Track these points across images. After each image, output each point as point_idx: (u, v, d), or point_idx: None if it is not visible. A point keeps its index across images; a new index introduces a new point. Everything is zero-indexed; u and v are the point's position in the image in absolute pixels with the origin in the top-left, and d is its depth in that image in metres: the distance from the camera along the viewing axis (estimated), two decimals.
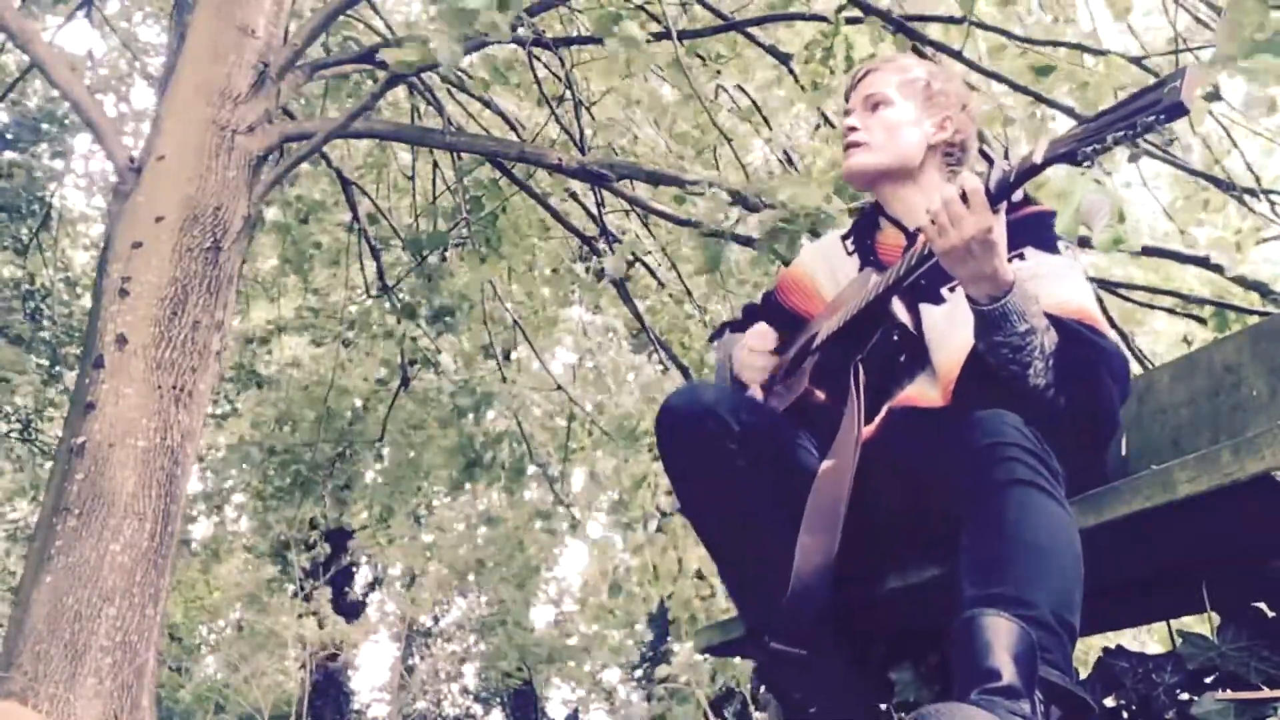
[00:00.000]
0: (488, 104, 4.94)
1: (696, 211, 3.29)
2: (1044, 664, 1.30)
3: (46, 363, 7.91)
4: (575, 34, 4.15)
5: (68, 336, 7.84)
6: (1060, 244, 1.70)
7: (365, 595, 16.40)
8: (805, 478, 1.68)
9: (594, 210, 4.77)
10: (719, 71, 4.21)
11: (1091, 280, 3.59)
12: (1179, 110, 1.29)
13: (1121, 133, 1.34)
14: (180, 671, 13.13)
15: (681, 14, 4.07)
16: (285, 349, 8.41)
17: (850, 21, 3.27)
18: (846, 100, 1.93)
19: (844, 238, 1.97)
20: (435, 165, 5.50)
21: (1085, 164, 1.39)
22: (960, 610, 1.36)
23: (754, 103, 4.48)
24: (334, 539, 11.97)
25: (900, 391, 1.74)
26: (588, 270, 5.36)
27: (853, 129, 1.86)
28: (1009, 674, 1.27)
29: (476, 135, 4.41)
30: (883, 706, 1.92)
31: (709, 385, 1.82)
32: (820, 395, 1.78)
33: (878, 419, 1.75)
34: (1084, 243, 2.21)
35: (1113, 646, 1.61)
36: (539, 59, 4.38)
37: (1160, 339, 5.02)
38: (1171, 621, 1.85)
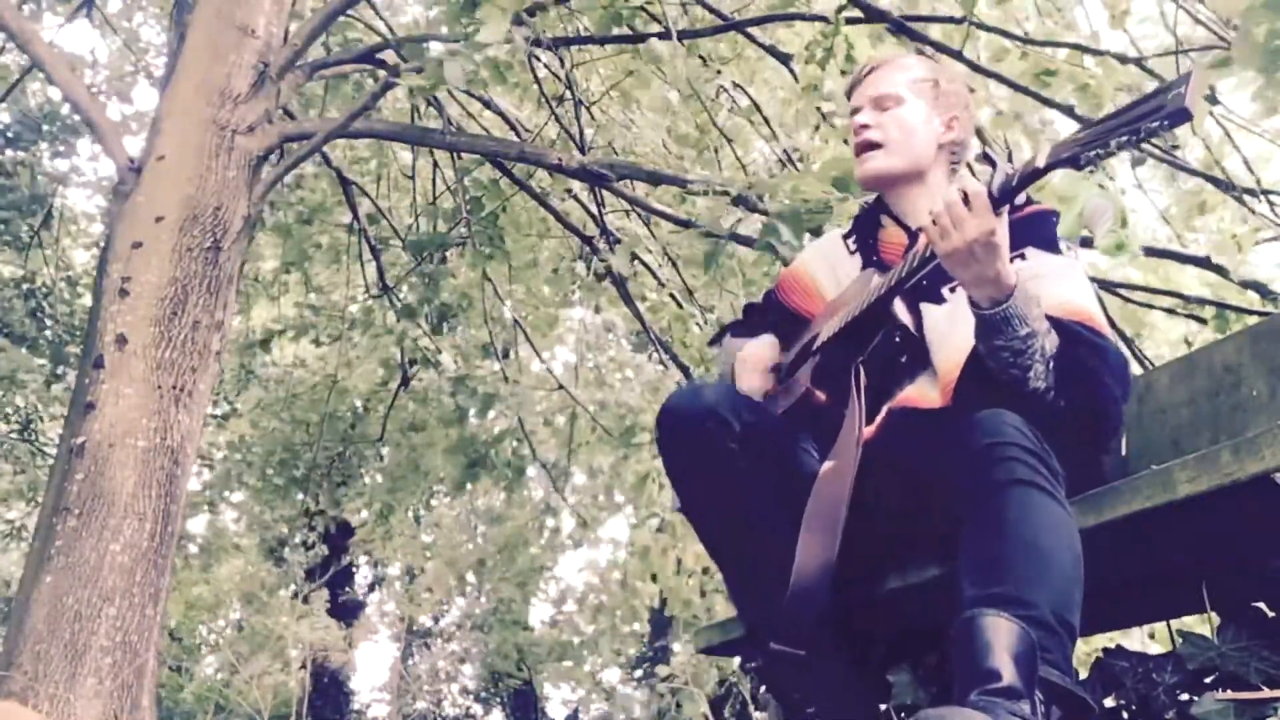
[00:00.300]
0: (488, 104, 4.94)
1: (696, 211, 3.29)
2: (1044, 664, 1.30)
3: (46, 362, 7.91)
4: (575, 34, 4.14)
5: (69, 336, 7.84)
6: (1062, 244, 1.70)
7: (365, 596, 16.41)
8: (806, 478, 1.68)
9: (594, 210, 4.77)
10: (719, 71, 4.21)
11: (1091, 280, 3.59)
12: (1183, 116, 1.29)
13: (1125, 137, 1.34)
14: (180, 671, 13.13)
15: (682, 14, 4.06)
16: (288, 349, 8.41)
17: (850, 22, 3.27)
18: (849, 97, 1.90)
19: (845, 236, 1.97)
20: (435, 165, 5.50)
21: (1088, 168, 1.39)
22: (960, 610, 1.36)
23: (754, 103, 4.48)
24: (333, 539, 11.98)
25: (900, 392, 1.74)
26: (589, 270, 5.36)
27: (865, 127, 1.82)
28: (1009, 674, 1.27)
29: (476, 135, 4.41)
30: (882, 707, 1.92)
31: (710, 385, 1.82)
32: (821, 396, 1.78)
33: (878, 420, 1.75)
34: (1085, 243, 2.21)
35: (1113, 646, 1.61)
36: (539, 59, 4.38)
37: (1160, 339, 5.02)
38: (1171, 621, 1.85)
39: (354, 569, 15.46)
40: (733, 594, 1.82)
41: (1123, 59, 3.17)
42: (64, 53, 5.42)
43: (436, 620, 18.34)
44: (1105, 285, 3.69)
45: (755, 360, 1.89)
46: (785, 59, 3.68)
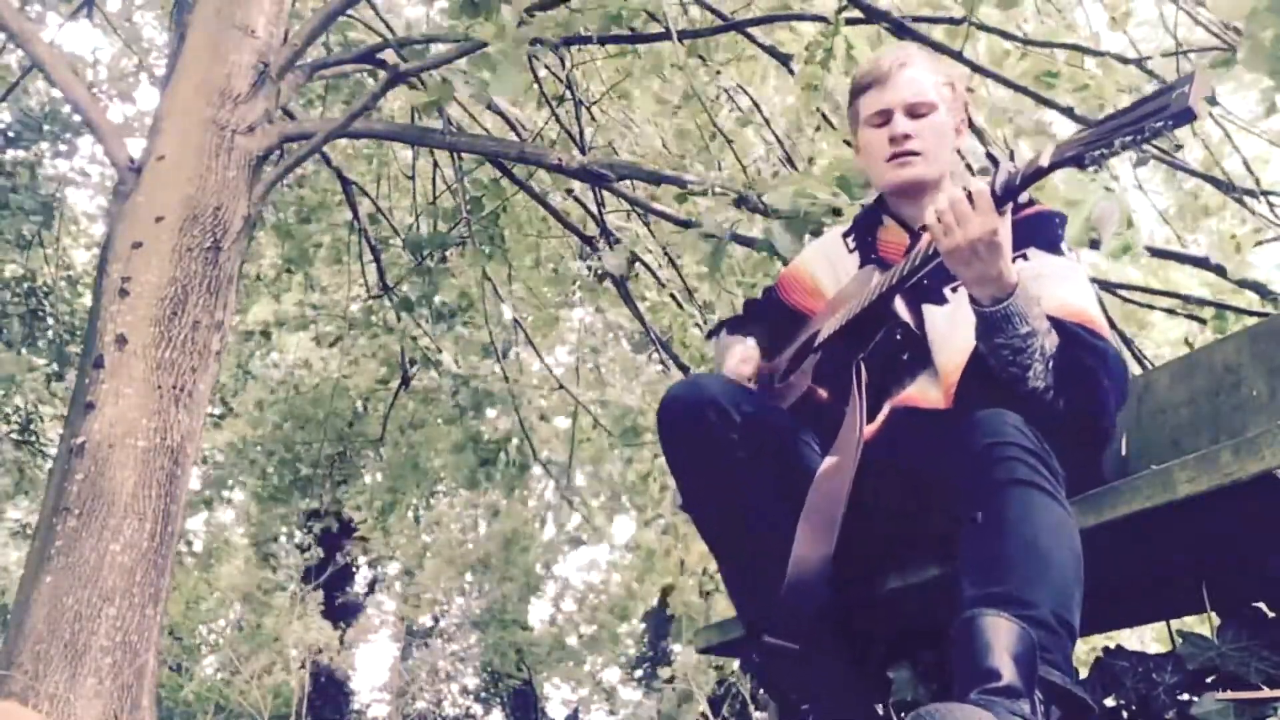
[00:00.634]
0: (488, 104, 4.94)
1: (697, 212, 3.29)
2: (1044, 664, 1.30)
3: (46, 361, 7.92)
4: (575, 34, 4.14)
5: (69, 335, 7.84)
6: (1063, 245, 1.70)
7: (364, 596, 16.40)
8: (806, 472, 1.68)
9: (594, 210, 4.77)
10: (719, 72, 4.21)
11: (1092, 281, 3.59)
12: (1187, 116, 1.29)
13: (1129, 138, 1.34)
14: (180, 671, 13.13)
15: (682, 14, 4.07)
16: (289, 350, 8.42)
17: (850, 22, 3.27)
18: (864, 90, 1.84)
19: (845, 235, 1.97)
20: (435, 165, 5.50)
21: (1092, 168, 1.40)
22: (960, 610, 1.36)
23: (755, 103, 4.48)
24: (332, 539, 11.98)
25: (902, 391, 1.75)
26: (590, 271, 5.36)
27: (907, 136, 1.77)
28: (1009, 674, 1.28)
29: (476, 135, 4.41)
30: (880, 708, 1.92)
31: (711, 376, 1.82)
32: (822, 393, 1.79)
33: (879, 418, 1.75)
34: (1092, 244, 2.22)
35: (1113, 646, 1.61)
36: (539, 59, 4.38)
37: (1160, 339, 5.02)
38: (1171, 621, 1.85)
39: (354, 569, 15.46)
40: (731, 589, 1.82)
41: (1123, 60, 3.17)
42: (64, 53, 5.42)
43: (436, 620, 18.34)
44: (1105, 285, 3.69)
45: (743, 367, 1.89)
46: (785, 59, 3.68)
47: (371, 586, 16.81)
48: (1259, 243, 3.43)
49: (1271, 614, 1.49)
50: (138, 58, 6.59)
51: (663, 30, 3.44)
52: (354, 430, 8.10)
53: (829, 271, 1.96)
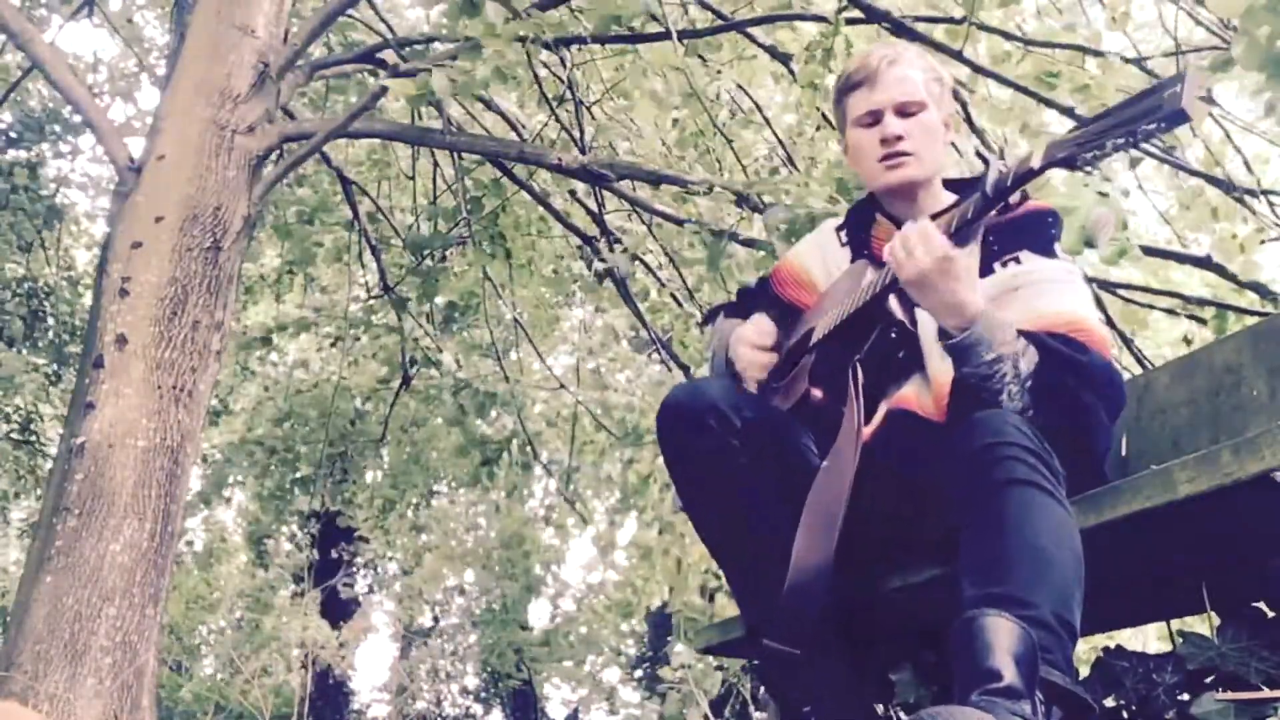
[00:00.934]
0: (488, 104, 4.94)
1: (697, 211, 3.29)
2: (1045, 664, 1.30)
3: (47, 361, 7.92)
4: (575, 34, 4.14)
5: (70, 336, 7.84)
6: (1057, 245, 1.69)
7: (364, 596, 16.40)
8: (807, 475, 1.68)
9: (595, 210, 4.77)
10: (719, 72, 4.21)
11: (1091, 280, 3.59)
12: (1180, 117, 1.28)
13: (1122, 139, 1.33)
14: (180, 671, 13.13)
15: (682, 14, 4.07)
16: (290, 349, 8.42)
17: (850, 22, 3.27)
18: (854, 88, 1.81)
19: (838, 229, 1.96)
20: (436, 165, 5.50)
21: (1084, 169, 1.39)
22: (961, 610, 1.36)
23: (755, 104, 4.48)
24: (332, 538, 11.99)
25: (897, 391, 1.74)
26: (591, 271, 5.36)
27: (899, 138, 1.75)
28: (1010, 675, 1.27)
29: (476, 135, 4.41)
30: (882, 707, 1.92)
31: (710, 381, 1.82)
32: (818, 395, 1.78)
33: (876, 419, 1.74)
34: (1087, 244, 2.21)
35: (1113, 646, 1.61)
36: (539, 59, 4.38)
37: (1160, 339, 5.02)
38: (1171, 621, 1.85)
39: (353, 569, 15.46)
40: (734, 592, 1.82)
41: (1123, 60, 3.17)
42: (64, 53, 5.42)
43: (436, 620, 18.34)
44: (1105, 285, 3.69)
45: (759, 337, 1.88)
46: (785, 59, 3.68)
47: (371, 586, 16.82)
48: (1263, 242, 3.42)
49: (1271, 614, 1.49)
50: (138, 58, 6.59)
51: (663, 30, 3.44)
52: (355, 430, 8.11)
53: (821, 266, 1.95)
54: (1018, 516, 1.38)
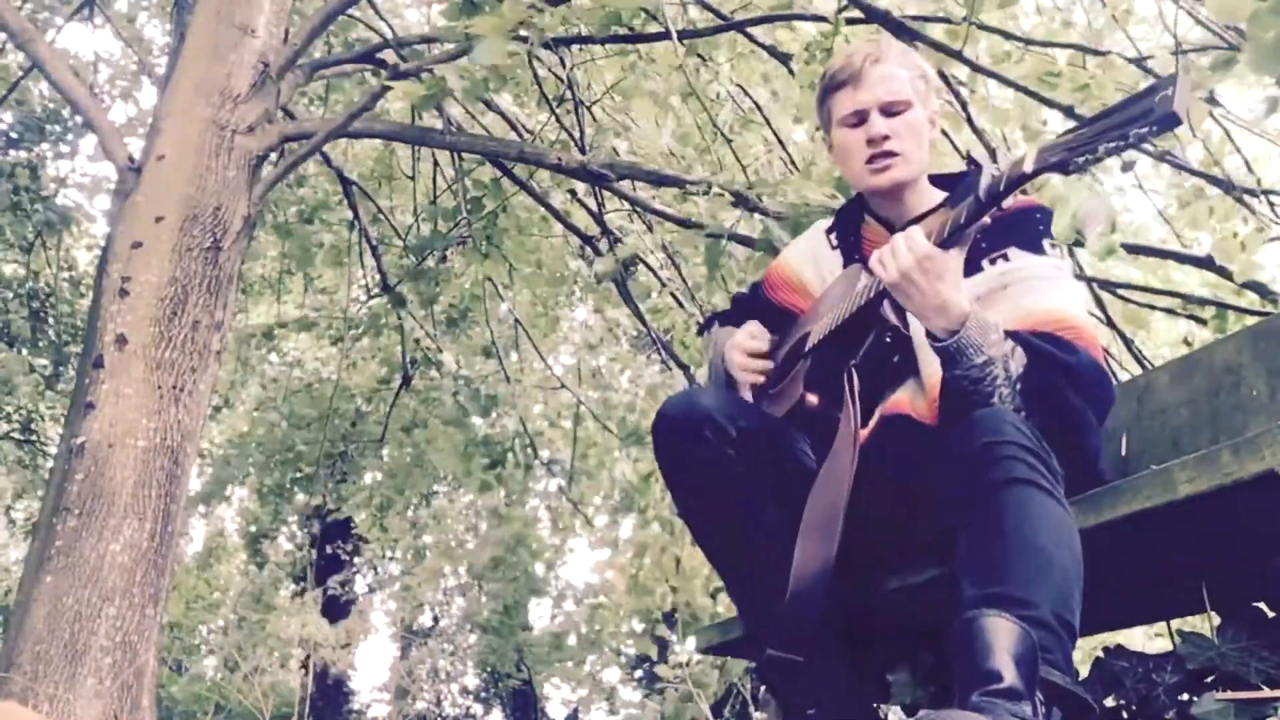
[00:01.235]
0: (488, 104, 4.94)
1: (697, 212, 3.29)
2: (1045, 664, 1.30)
3: (48, 362, 7.92)
4: (575, 34, 4.14)
5: (70, 336, 7.85)
6: (1045, 242, 1.68)
7: (364, 595, 16.40)
8: (804, 481, 1.68)
9: (595, 210, 4.77)
10: (718, 73, 4.21)
11: (1091, 280, 3.59)
12: (1172, 121, 1.26)
13: (1114, 143, 1.32)
14: (180, 671, 13.14)
15: (681, 14, 4.06)
16: (291, 348, 8.42)
17: (850, 22, 3.26)
18: (837, 88, 1.78)
19: (828, 231, 1.95)
20: (436, 165, 5.50)
21: (1077, 173, 1.38)
22: (960, 610, 1.36)
23: (755, 104, 4.47)
24: (331, 538, 11.99)
25: (892, 395, 1.74)
26: (590, 271, 5.36)
27: (886, 138, 1.73)
28: (1010, 675, 1.27)
29: (476, 135, 4.41)
30: (882, 708, 1.92)
31: (705, 390, 1.81)
32: (814, 400, 1.77)
33: (871, 424, 1.74)
34: (1076, 243, 2.21)
35: (1113, 646, 1.61)
36: (539, 59, 4.38)
37: (1160, 339, 5.02)
38: (1171, 621, 1.85)
39: (353, 569, 15.46)
40: (734, 599, 1.82)
41: (1123, 59, 3.17)
42: (65, 53, 5.42)
43: (436, 620, 18.34)
44: (1105, 285, 3.69)
45: (753, 343, 1.87)
46: (785, 59, 3.67)
47: (371, 586, 16.82)
48: (1265, 241, 3.42)
49: (1271, 614, 1.49)
50: (138, 57, 6.59)
51: (663, 30, 3.44)
52: (355, 430, 8.11)
53: (813, 269, 1.94)
54: (1017, 516, 1.38)
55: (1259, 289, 3.25)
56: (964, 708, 1.28)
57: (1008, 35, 3.27)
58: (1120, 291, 3.75)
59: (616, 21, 3.30)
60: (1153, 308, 3.82)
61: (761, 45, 3.82)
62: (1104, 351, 1.98)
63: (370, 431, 7.82)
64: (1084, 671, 1.62)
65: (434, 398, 6.35)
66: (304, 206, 5.83)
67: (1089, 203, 1.45)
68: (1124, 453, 2.03)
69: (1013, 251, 1.67)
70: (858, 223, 1.89)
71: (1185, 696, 1.50)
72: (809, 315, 1.88)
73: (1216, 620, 1.51)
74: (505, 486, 6.49)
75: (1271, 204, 3.47)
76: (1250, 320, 3.24)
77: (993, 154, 3.01)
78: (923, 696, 1.89)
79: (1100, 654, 1.61)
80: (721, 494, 1.70)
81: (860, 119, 1.76)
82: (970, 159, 1.58)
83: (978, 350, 1.52)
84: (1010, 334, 1.56)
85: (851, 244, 1.88)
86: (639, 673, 16.77)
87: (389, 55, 3.90)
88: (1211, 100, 2.91)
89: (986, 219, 1.49)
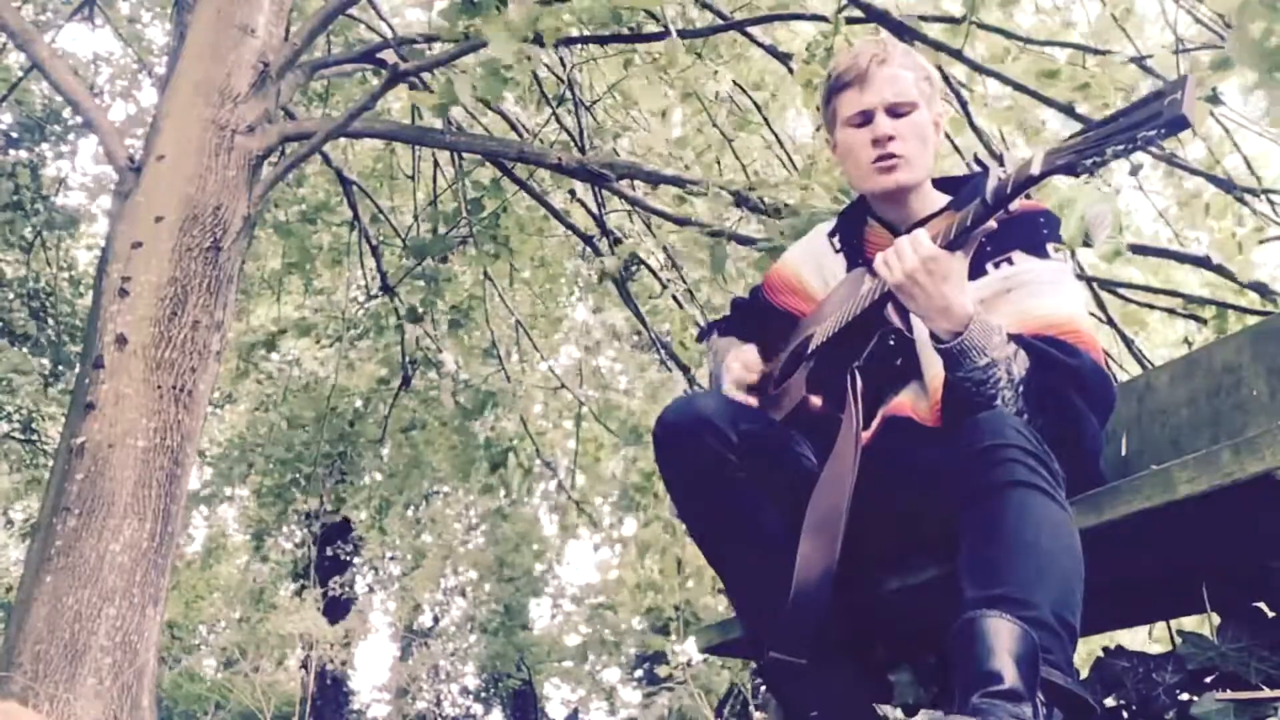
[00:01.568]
0: (488, 104, 4.94)
1: (696, 211, 3.29)
2: (1046, 665, 1.30)
3: (49, 362, 7.92)
4: (575, 34, 4.14)
5: (70, 336, 7.85)
6: (1049, 245, 1.68)
7: (364, 595, 16.41)
8: (805, 484, 1.67)
9: (595, 210, 4.77)
10: (716, 72, 4.21)
11: (1092, 280, 3.59)
12: (1181, 124, 1.26)
13: (1122, 146, 1.32)
14: (180, 671, 13.14)
15: (681, 14, 4.06)
16: (291, 348, 8.42)
17: (850, 21, 3.26)
18: (843, 88, 1.78)
19: (830, 235, 1.94)
20: (436, 165, 5.51)
21: (1084, 176, 1.38)
22: (961, 611, 1.36)
23: (755, 103, 4.48)
24: (331, 537, 11.99)
25: (895, 398, 1.73)
26: (590, 271, 5.36)
27: (891, 139, 1.72)
28: (1011, 676, 1.27)
29: (476, 135, 4.41)
30: (883, 708, 1.92)
31: (705, 395, 1.80)
32: (816, 402, 1.77)
33: (874, 425, 1.74)
34: (1084, 242, 2.20)
35: (1112, 646, 1.61)
36: (539, 59, 4.38)
37: (1159, 339, 5.02)
38: (1171, 621, 1.85)
39: (353, 568, 15.47)
40: (734, 603, 1.82)
41: (1122, 59, 3.17)
42: (64, 53, 5.42)
43: (436, 620, 18.35)
44: (1105, 285, 3.69)
45: (743, 371, 1.87)
46: (785, 59, 3.67)
47: (371, 586, 16.83)
48: (1262, 241, 3.42)
49: (1271, 614, 1.49)
50: (138, 57, 6.59)
51: (662, 30, 3.44)
52: (354, 430, 8.11)
53: (815, 272, 1.93)
54: (1018, 518, 1.38)
55: (1259, 289, 3.25)
56: (965, 710, 1.27)
57: (1008, 34, 3.27)
58: (1120, 291, 3.75)
59: (617, 20, 3.30)
60: (1153, 307, 3.82)
61: (761, 45, 3.82)
62: (1104, 353, 1.98)
63: (370, 432, 7.83)
64: (1084, 672, 1.62)
65: (434, 398, 6.35)
66: (304, 206, 5.82)
67: (1097, 206, 1.44)
68: (1124, 453, 2.03)
69: (1017, 255, 1.67)
70: (861, 225, 1.88)
71: (1185, 696, 1.50)
72: (812, 318, 1.88)
73: (1216, 620, 1.51)
74: (507, 488, 6.49)
75: (1272, 203, 3.47)
76: (1250, 320, 3.24)
77: (995, 156, 3.01)
78: (924, 697, 1.89)
79: (1100, 654, 1.61)
80: (723, 498, 1.70)
81: (865, 119, 1.76)
82: (976, 161, 1.58)
83: (980, 352, 1.52)
84: (1013, 337, 1.56)
85: (855, 247, 1.87)
86: (639, 673, 16.79)
87: (389, 55, 3.91)
88: (1214, 99, 2.90)
89: (992, 223, 1.49)
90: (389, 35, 4.51)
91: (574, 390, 6.07)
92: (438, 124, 4.30)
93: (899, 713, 1.90)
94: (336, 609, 14.09)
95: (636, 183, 4.01)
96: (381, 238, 5.79)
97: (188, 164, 3.30)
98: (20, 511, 11.86)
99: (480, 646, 17.39)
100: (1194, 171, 3.41)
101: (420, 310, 5.22)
